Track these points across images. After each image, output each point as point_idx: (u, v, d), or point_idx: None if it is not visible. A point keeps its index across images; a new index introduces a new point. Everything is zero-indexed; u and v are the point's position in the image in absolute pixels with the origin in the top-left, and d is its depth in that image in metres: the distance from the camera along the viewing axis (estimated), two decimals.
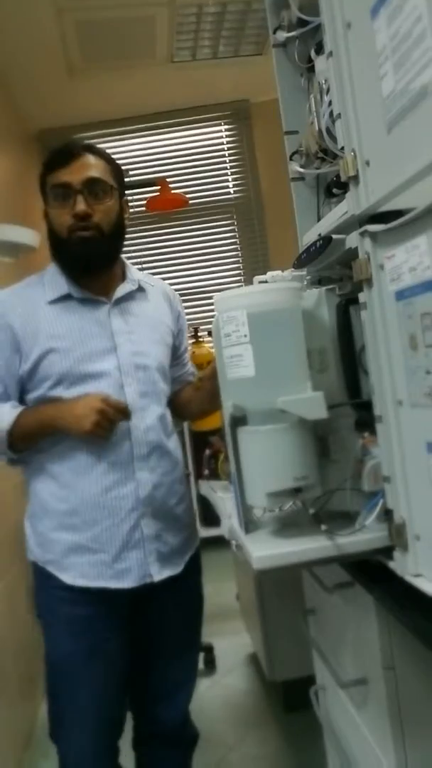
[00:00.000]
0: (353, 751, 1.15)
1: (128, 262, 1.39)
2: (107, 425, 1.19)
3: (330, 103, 0.86)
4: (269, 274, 0.90)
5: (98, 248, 1.25)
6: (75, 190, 1.22)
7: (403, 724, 0.94)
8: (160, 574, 1.28)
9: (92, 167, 1.24)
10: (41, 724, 2.21)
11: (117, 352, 1.26)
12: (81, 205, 1.22)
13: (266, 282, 0.91)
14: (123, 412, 1.20)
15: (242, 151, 3.79)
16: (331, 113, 0.86)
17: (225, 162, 3.81)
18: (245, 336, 0.83)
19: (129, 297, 1.32)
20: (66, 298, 1.28)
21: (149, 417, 1.28)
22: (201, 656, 1.79)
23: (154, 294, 1.38)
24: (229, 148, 3.81)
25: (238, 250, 3.80)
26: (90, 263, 1.26)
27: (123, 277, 1.35)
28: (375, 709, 1.00)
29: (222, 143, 3.82)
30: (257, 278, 0.90)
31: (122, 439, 1.25)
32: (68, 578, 1.26)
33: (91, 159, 1.25)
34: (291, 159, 1.06)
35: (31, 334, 1.25)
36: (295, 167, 1.05)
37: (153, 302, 1.37)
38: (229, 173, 3.81)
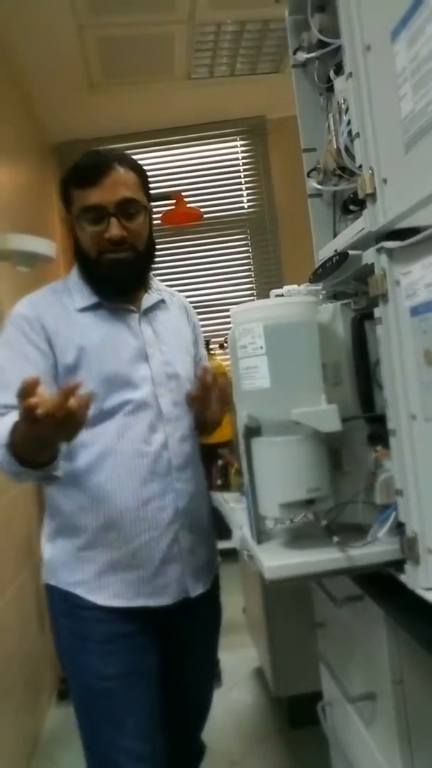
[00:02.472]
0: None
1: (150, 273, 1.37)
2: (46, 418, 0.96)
3: (349, 122, 0.88)
4: (285, 288, 0.92)
5: (133, 268, 1.23)
6: (109, 213, 1.17)
7: (411, 740, 0.93)
8: (195, 589, 1.25)
9: (125, 185, 1.19)
10: (47, 731, 2.21)
11: (149, 362, 1.23)
12: (116, 230, 1.17)
13: (282, 295, 0.92)
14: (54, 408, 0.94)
15: (257, 167, 3.83)
16: (349, 132, 0.88)
17: (240, 177, 3.85)
18: (261, 348, 0.85)
19: (155, 307, 1.30)
20: (96, 306, 1.24)
21: (183, 427, 1.25)
22: None
23: (173, 304, 1.36)
24: (244, 164, 3.85)
25: (251, 264, 3.82)
26: (124, 283, 1.24)
27: (146, 286, 1.32)
28: (383, 725, 0.99)
29: (237, 158, 3.85)
30: (273, 292, 0.91)
31: (160, 448, 1.21)
32: (102, 599, 1.19)
33: (122, 174, 1.19)
34: (308, 176, 1.08)
35: (64, 339, 1.20)
36: (313, 184, 1.07)
37: (173, 313, 1.35)
38: (244, 188, 3.85)
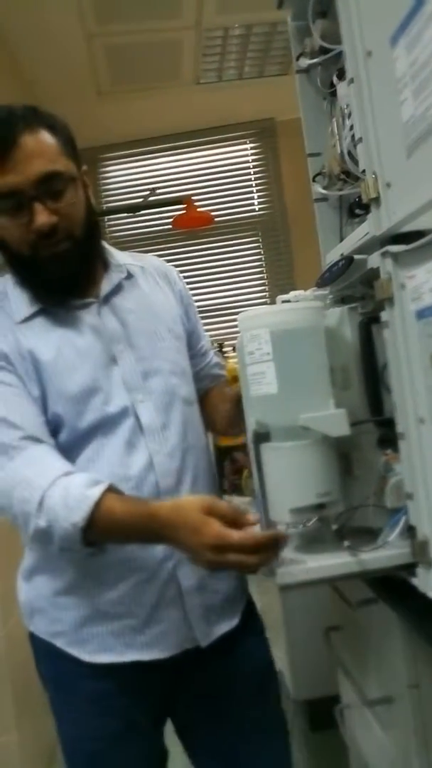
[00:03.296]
0: None
1: (106, 244, 1.09)
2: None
3: (351, 127, 0.88)
4: (292, 293, 0.92)
5: (75, 260, 0.98)
6: (28, 196, 0.91)
7: (428, 744, 0.93)
8: (208, 635, 1.02)
9: (41, 156, 0.91)
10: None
11: (118, 362, 1.00)
12: (42, 217, 0.92)
13: (289, 301, 0.93)
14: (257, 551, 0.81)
15: (268, 169, 3.83)
16: (352, 137, 0.88)
17: (250, 180, 3.85)
18: (268, 354, 0.85)
19: (118, 289, 1.05)
20: (39, 313, 1.00)
21: (173, 436, 1.02)
22: None
23: (145, 277, 1.11)
24: (254, 166, 3.86)
25: (263, 268, 3.83)
26: (69, 280, 0.99)
27: (105, 265, 1.06)
28: (400, 729, 0.99)
29: (248, 161, 3.86)
30: (280, 297, 0.92)
31: (144, 471, 0.99)
32: (86, 654, 1.00)
33: (34, 142, 0.91)
34: (314, 180, 1.08)
35: (18, 360, 0.97)
36: (318, 188, 1.07)
37: (146, 287, 1.09)
38: (255, 191, 3.85)
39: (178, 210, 3.36)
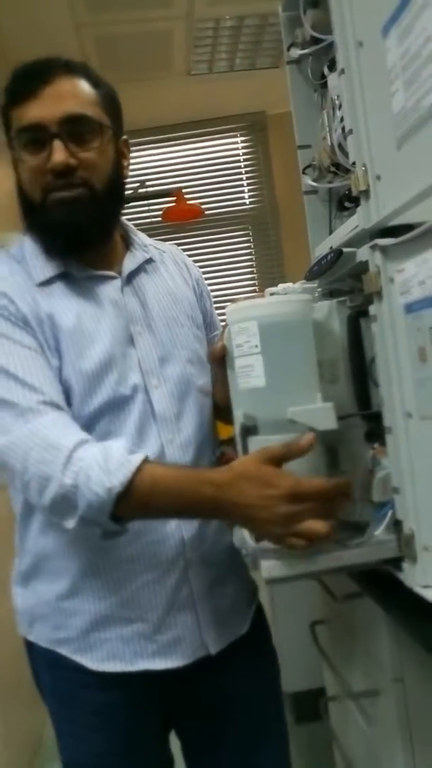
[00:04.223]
0: (363, 764, 1.14)
1: (129, 223, 1.05)
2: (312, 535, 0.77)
3: (342, 119, 0.87)
4: (281, 285, 0.92)
5: (88, 213, 0.90)
6: (50, 133, 0.86)
7: (413, 737, 0.93)
8: (218, 642, 0.96)
9: (73, 97, 0.88)
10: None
11: (135, 344, 0.95)
12: (59, 155, 0.86)
13: (278, 294, 0.92)
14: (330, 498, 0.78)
15: (258, 162, 3.82)
16: (343, 128, 0.87)
17: (241, 173, 3.84)
18: (256, 347, 0.85)
19: (141, 269, 1.00)
20: (61, 277, 0.94)
21: (187, 427, 0.97)
22: None
23: (164, 262, 1.06)
24: (245, 159, 3.84)
25: (252, 261, 3.82)
26: (78, 234, 0.91)
27: (126, 245, 1.02)
28: (385, 722, 0.99)
29: (238, 154, 3.84)
30: (268, 290, 0.91)
31: (155, 459, 0.91)
32: (92, 662, 0.93)
33: (71, 83, 0.88)
34: (304, 173, 1.07)
35: (36, 323, 0.90)
36: (308, 181, 1.06)
37: (166, 273, 1.05)
38: (245, 184, 3.83)
39: (167, 203, 3.35)
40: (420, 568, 0.79)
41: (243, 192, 3.83)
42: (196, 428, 0.98)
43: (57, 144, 0.87)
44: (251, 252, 3.82)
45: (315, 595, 1.39)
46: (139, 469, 0.80)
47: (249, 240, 3.82)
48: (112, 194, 0.94)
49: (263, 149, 3.79)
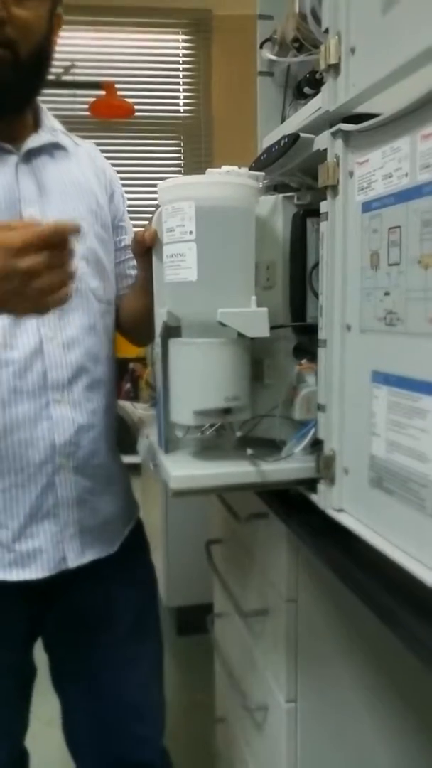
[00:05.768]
0: (244, 677, 1.15)
1: (44, 105, 0.99)
2: (46, 287, 0.68)
3: None
4: (224, 167, 0.80)
5: (6, 77, 0.83)
6: None
7: (297, 657, 0.94)
8: (79, 556, 0.94)
9: None
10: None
11: None
12: None
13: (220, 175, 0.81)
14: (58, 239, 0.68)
15: (198, 68, 3.56)
16: None
17: (178, 76, 3.57)
18: (190, 233, 0.74)
19: (44, 151, 0.94)
20: None
21: (72, 326, 0.91)
22: None
23: (76, 155, 1.00)
24: (184, 62, 3.57)
25: (181, 173, 3.62)
26: None
27: (36, 124, 0.95)
28: (271, 640, 0.99)
29: (178, 54, 3.56)
30: (210, 170, 0.80)
31: (30, 355, 0.87)
32: None
33: None
34: (261, 47, 0.95)
35: None
36: (267, 55, 0.94)
37: (76, 164, 0.99)
38: (182, 89, 3.58)
39: (96, 95, 3.06)
40: (336, 491, 0.75)
41: (178, 98, 3.58)
42: (84, 329, 0.93)
43: None
44: (180, 164, 3.61)
45: (214, 514, 1.37)
46: None
47: (179, 151, 3.61)
48: (36, 65, 0.87)
49: (205, 53, 3.53)
